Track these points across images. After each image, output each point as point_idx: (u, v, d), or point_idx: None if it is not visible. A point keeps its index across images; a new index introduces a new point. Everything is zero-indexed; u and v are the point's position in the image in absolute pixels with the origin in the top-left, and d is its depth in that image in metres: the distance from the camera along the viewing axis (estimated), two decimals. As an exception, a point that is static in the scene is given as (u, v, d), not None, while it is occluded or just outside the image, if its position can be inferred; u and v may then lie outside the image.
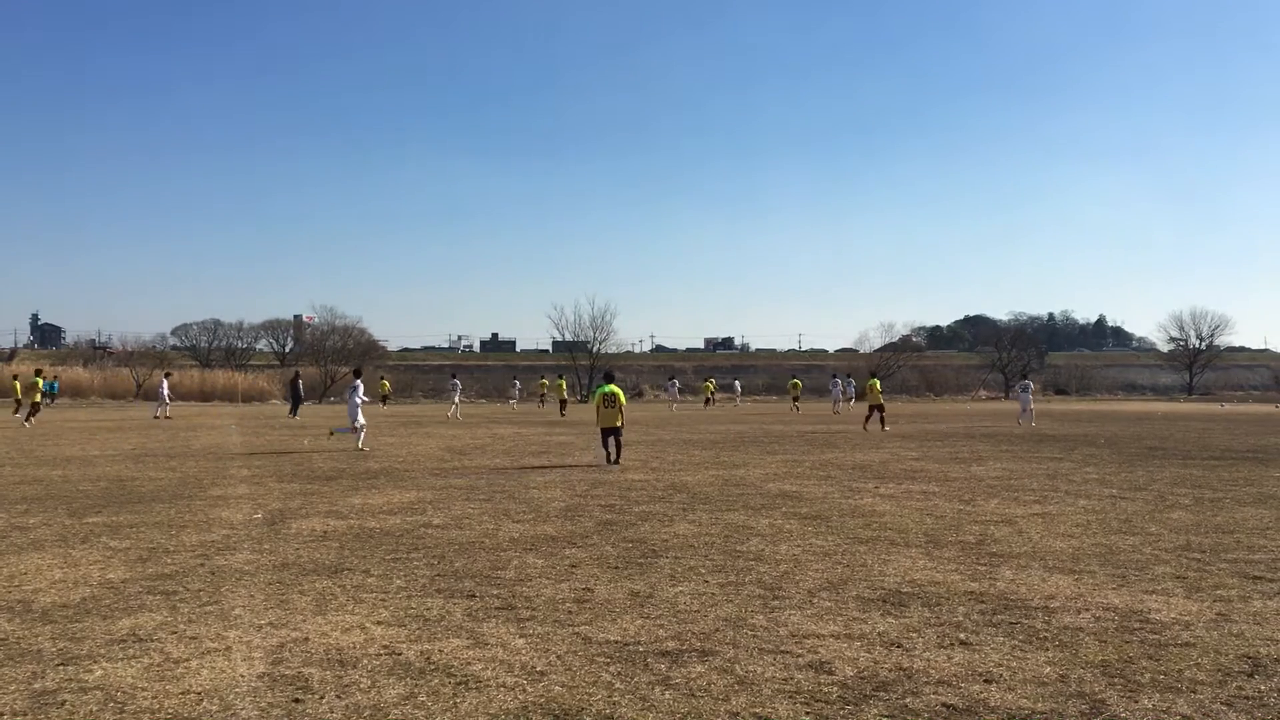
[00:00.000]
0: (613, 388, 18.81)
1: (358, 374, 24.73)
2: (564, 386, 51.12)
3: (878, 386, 31.90)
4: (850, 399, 53.19)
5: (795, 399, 56.10)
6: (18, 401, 38.54)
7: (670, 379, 60.60)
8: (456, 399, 44.48)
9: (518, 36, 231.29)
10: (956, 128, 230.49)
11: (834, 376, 54.50)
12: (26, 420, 33.59)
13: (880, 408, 31.11)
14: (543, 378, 64.19)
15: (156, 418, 39.52)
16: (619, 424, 18.44)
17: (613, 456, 18.26)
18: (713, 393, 60.68)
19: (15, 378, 38.82)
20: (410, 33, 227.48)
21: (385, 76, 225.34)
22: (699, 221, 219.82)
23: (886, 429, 30.26)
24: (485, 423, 36.90)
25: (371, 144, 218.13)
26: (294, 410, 41.71)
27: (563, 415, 43.56)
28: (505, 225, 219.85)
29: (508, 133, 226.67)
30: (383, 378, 68.23)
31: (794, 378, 62.56)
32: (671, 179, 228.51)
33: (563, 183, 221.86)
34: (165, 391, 41.49)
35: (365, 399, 23.25)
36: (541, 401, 60.11)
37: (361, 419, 22.66)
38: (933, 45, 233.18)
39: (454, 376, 48.73)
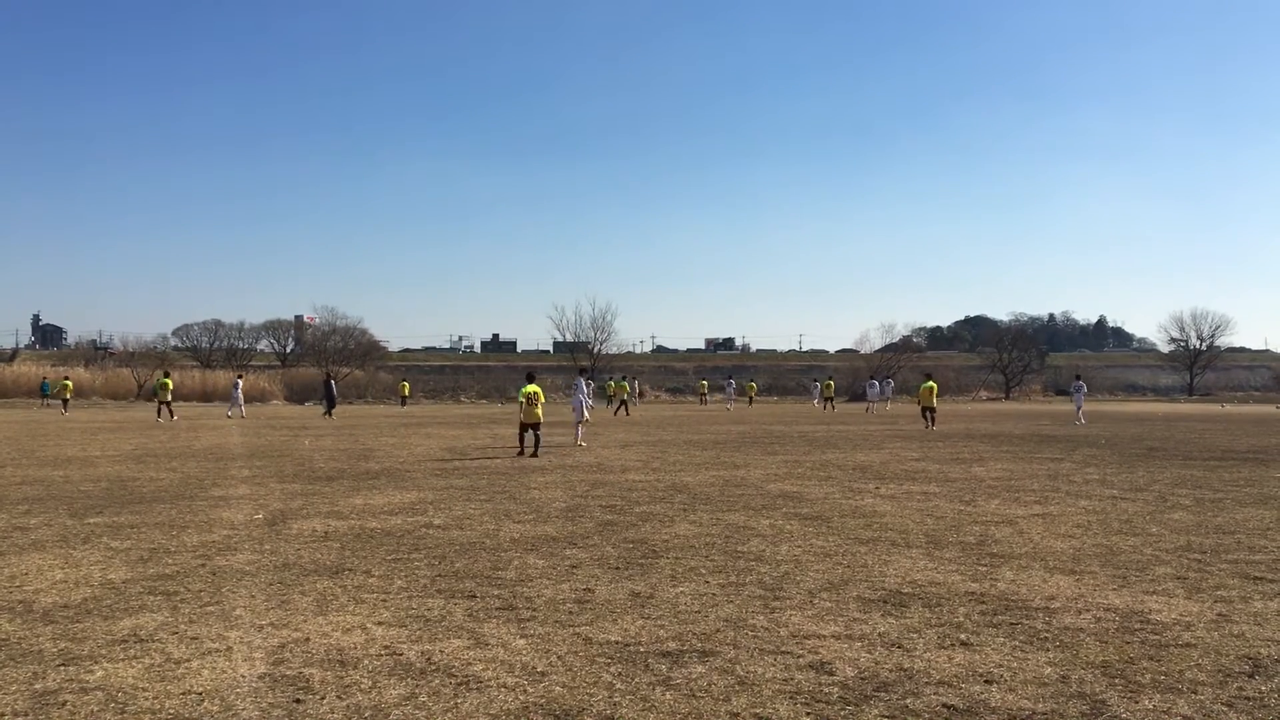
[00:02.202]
0: (534, 387, 20.88)
1: (583, 372, 25.81)
2: (626, 388, 51.89)
3: (935, 390, 33.18)
4: (887, 400, 54.88)
5: (829, 398, 56.79)
6: (64, 401, 49.40)
7: (628, 378, 60.58)
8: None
9: (518, 36, 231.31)
10: (956, 128, 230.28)
11: (871, 379, 57.39)
12: (171, 418, 37.60)
13: (932, 409, 32.50)
14: (610, 379, 65.05)
15: (233, 417, 41.35)
16: (539, 419, 20.45)
17: (530, 449, 20.27)
18: (831, 395, 59.03)
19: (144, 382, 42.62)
20: (410, 33, 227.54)
21: (385, 76, 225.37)
22: (699, 222, 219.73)
23: (933, 427, 31.54)
24: (486, 423, 36.88)
25: (372, 144, 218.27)
26: (329, 410, 42.11)
27: (626, 415, 44.57)
28: (506, 226, 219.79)
29: (508, 133, 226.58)
30: (403, 380, 70.24)
31: (829, 378, 64.11)
32: (672, 179, 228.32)
33: (563, 183, 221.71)
34: (239, 393, 43.95)
35: (587, 396, 24.09)
36: (612, 402, 60.59)
37: (586, 413, 23.97)
38: (932, 45, 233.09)
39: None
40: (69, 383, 52.21)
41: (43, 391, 61.19)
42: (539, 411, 20.52)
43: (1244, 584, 7.62)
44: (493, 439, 26.37)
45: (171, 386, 39.69)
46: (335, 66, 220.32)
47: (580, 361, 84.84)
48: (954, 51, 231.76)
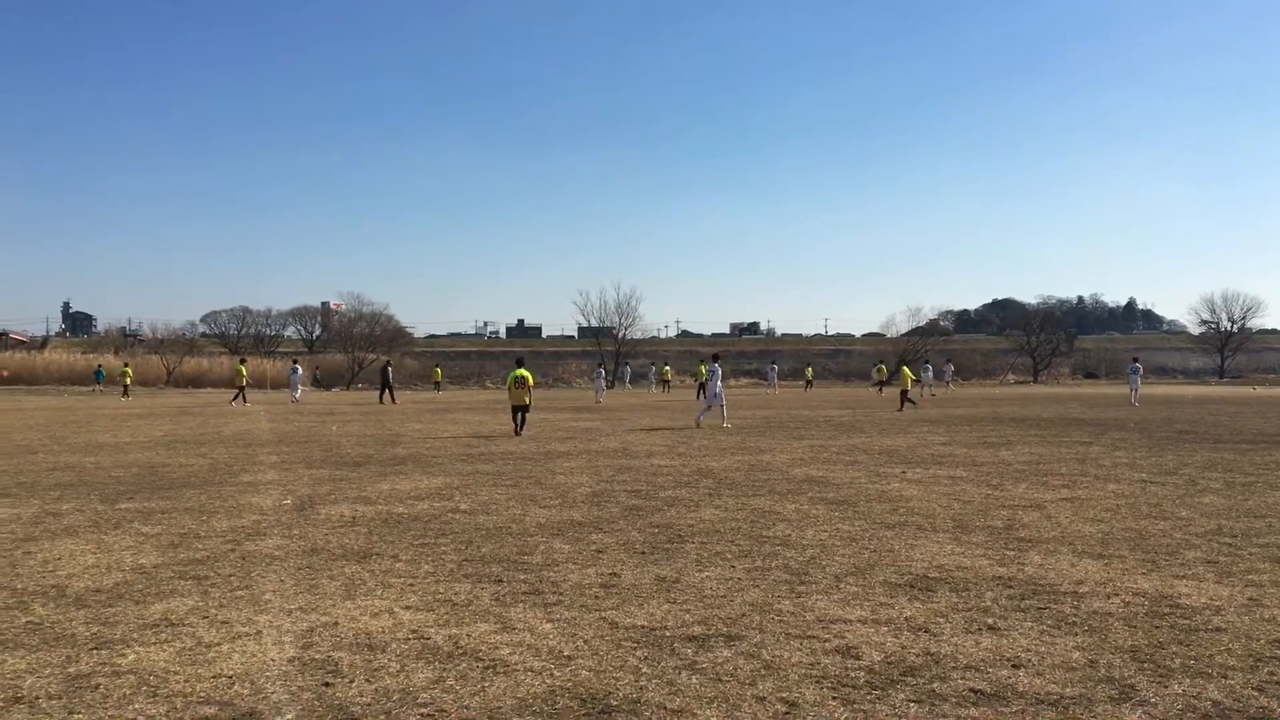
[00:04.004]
0: (522, 372, 22.90)
1: (716, 358, 27.60)
2: (704, 371, 52.27)
3: (908, 373, 35.83)
4: (947, 384, 54.92)
5: (881, 383, 56.81)
6: (125, 387, 52.63)
7: (705, 361, 61.01)
8: (602, 384, 48.60)
9: (541, 21, 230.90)
10: (984, 109, 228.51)
11: (926, 362, 57.91)
12: (234, 401, 40.41)
13: (905, 393, 34.66)
14: (665, 364, 67.44)
15: (295, 401, 43.12)
16: (526, 402, 22.53)
17: (519, 428, 22.11)
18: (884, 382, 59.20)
19: (243, 362, 45.68)
20: (433, 18, 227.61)
21: (410, 64, 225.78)
22: (724, 207, 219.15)
23: (902, 411, 32.88)
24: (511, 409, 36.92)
25: (397, 132, 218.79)
26: (389, 396, 43.45)
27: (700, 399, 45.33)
28: (531, 211, 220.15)
29: (533, 119, 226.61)
30: (435, 366, 70.69)
31: (880, 362, 63.96)
32: (696, 165, 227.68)
33: (588, 169, 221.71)
34: (297, 378, 45.48)
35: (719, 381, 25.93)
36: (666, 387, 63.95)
37: (722, 398, 25.60)
38: (958, 27, 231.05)
39: (600, 366, 55.04)
40: (129, 369, 55.50)
41: (96, 378, 63.86)
42: (525, 394, 22.53)
43: (1275, 568, 7.55)
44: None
45: (246, 373, 42.55)
46: (362, 55, 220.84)
47: (605, 346, 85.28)
48: (980, 33, 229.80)
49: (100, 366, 66.06)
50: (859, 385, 71.68)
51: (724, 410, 25.54)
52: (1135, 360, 41.93)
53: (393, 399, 43.05)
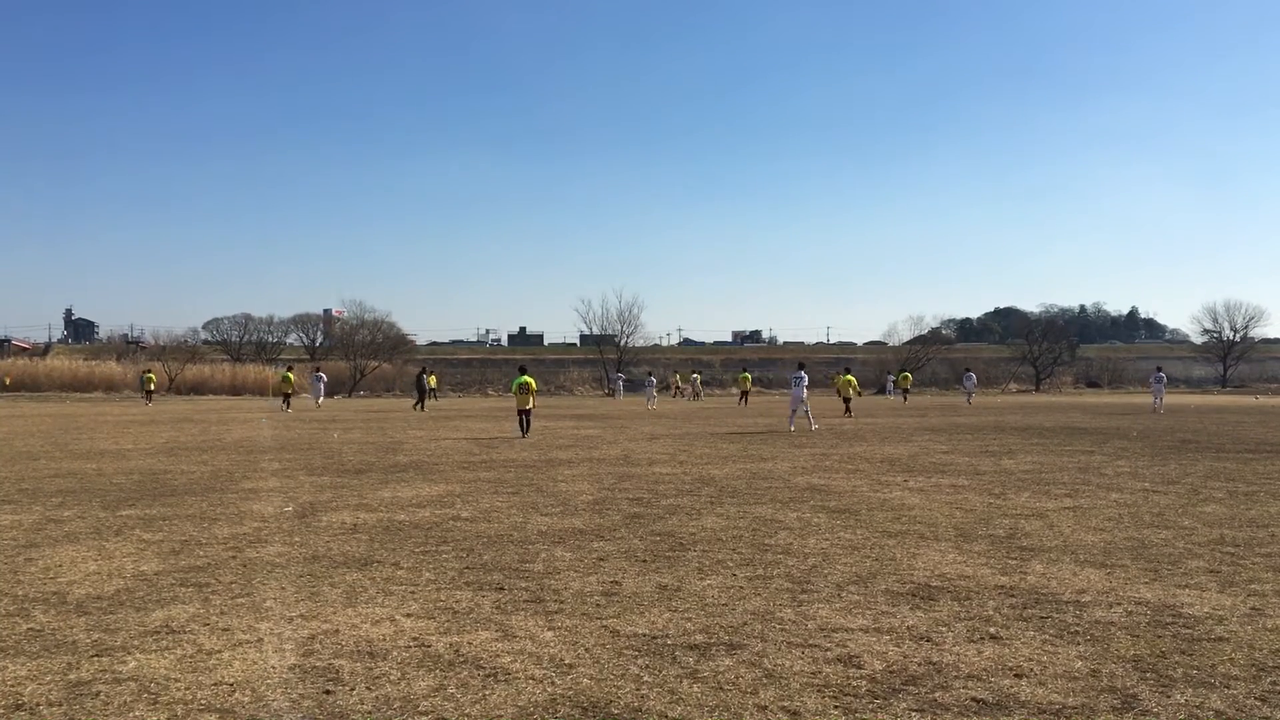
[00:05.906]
0: (526, 378, 24.97)
1: (801, 366, 28.90)
2: (749, 379, 54.94)
3: (851, 380, 37.60)
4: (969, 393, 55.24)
5: (905, 390, 57.20)
6: (148, 393, 54.33)
7: (746, 370, 60.91)
8: (654, 393, 49.11)
9: (538, 24, 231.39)
10: (985, 117, 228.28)
11: (967, 370, 57.92)
12: (286, 408, 41.83)
13: (848, 400, 36.63)
14: (694, 372, 67.91)
15: (318, 406, 45.27)
16: (530, 406, 24.80)
17: (525, 431, 24.27)
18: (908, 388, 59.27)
19: (289, 373, 46.15)
20: (432, 24, 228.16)
21: (409, 70, 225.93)
22: (726, 212, 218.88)
23: (847, 418, 34.14)
24: (511, 416, 36.95)
25: (397, 137, 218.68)
26: (420, 403, 44.69)
27: (745, 404, 49.01)
28: (532, 218, 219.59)
29: (531, 125, 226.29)
30: (431, 372, 69.82)
31: (903, 371, 63.95)
32: (698, 169, 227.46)
33: (588, 175, 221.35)
34: (321, 386, 46.64)
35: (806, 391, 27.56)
36: (695, 395, 64.46)
37: (806, 405, 27.30)
38: (959, 33, 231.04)
39: (650, 374, 55.44)
40: (152, 375, 57.41)
41: (141, 384, 65.03)
42: (529, 399, 24.73)
43: (1277, 577, 7.53)
44: (518, 431, 26.42)
45: (293, 380, 44.30)
46: (361, 61, 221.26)
47: (606, 354, 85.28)
48: (981, 40, 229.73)
49: (144, 373, 67.78)
50: (865, 393, 71.55)
51: (809, 415, 27.38)
52: (1159, 369, 43.70)
53: (422, 406, 43.97)
